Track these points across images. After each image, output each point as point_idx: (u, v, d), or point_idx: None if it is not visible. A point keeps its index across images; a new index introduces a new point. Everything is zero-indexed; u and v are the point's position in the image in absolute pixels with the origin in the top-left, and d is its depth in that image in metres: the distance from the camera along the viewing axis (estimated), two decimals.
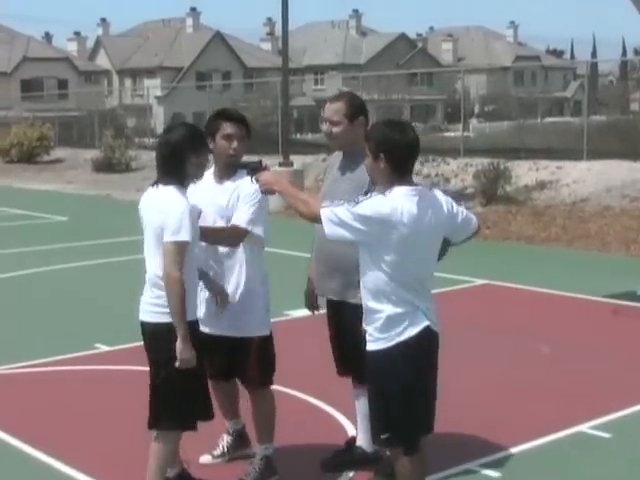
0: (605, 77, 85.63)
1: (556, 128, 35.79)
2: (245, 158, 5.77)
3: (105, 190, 28.47)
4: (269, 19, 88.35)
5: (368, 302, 4.99)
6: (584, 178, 22.11)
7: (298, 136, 42.30)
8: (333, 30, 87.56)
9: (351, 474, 6.15)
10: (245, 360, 5.79)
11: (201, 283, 5.69)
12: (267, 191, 5.29)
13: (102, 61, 79.24)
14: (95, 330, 10.15)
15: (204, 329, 5.77)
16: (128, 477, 6.09)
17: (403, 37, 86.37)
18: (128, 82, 77.43)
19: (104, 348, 9.40)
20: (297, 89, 66.64)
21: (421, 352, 4.95)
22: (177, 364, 5.22)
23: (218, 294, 5.70)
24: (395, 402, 4.94)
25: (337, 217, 4.80)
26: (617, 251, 15.58)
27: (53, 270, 14.29)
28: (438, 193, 5.08)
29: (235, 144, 5.71)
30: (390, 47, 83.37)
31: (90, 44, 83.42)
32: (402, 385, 4.91)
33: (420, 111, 67.24)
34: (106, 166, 34.45)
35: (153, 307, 5.32)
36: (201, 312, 5.69)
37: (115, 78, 78.18)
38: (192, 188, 5.73)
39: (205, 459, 6.31)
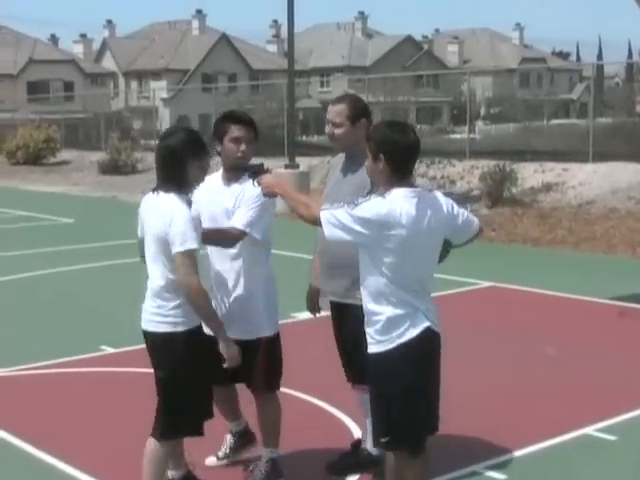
0: (611, 79, 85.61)
1: (562, 130, 35.76)
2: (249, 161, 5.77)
3: (111, 192, 28.50)
4: (275, 21, 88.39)
5: (368, 304, 4.98)
6: (590, 180, 22.08)
7: (304, 138, 42.31)
8: (339, 32, 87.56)
9: (357, 477, 6.15)
10: (251, 363, 5.75)
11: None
12: (268, 194, 5.30)
13: (108, 63, 79.31)
14: (100, 332, 10.16)
15: (210, 332, 5.76)
16: (132, 479, 6.09)
17: (409, 39, 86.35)
18: (134, 84, 77.49)
19: (109, 350, 9.41)
20: (303, 91, 66.66)
21: (422, 353, 4.94)
22: (225, 365, 5.27)
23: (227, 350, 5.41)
24: (397, 404, 4.93)
25: (336, 219, 4.80)
26: (623, 253, 15.56)
27: (59, 272, 14.30)
28: (438, 194, 5.07)
29: (243, 147, 5.70)
30: (396, 49, 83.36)
31: (96, 46, 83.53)
32: (404, 387, 4.91)
33: (426, 113, 67.22)
34: (112, 168, 34.50)
35: (154, 316, 5.29)
36: None
37: (121, 80, 78.26)
38: (201, 191, 5.74)
39: (210, 461, 6.30)
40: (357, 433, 6.67)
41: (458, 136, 39.15)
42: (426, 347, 4.96)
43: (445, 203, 5.04)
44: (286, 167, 23.36)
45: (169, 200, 5.19)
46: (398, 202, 4.80)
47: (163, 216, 5.16)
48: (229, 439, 6.33)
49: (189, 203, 5.29)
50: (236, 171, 5.71)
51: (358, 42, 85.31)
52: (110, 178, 33.07)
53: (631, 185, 21.07)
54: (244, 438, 6.33)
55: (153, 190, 5.33)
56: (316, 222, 4.91)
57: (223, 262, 5.80)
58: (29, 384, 8.58)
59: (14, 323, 11.05)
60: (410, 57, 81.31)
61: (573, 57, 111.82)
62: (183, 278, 5.11)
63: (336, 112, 5.86)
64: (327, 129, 5.96)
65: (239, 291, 5.77)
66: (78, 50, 79.97)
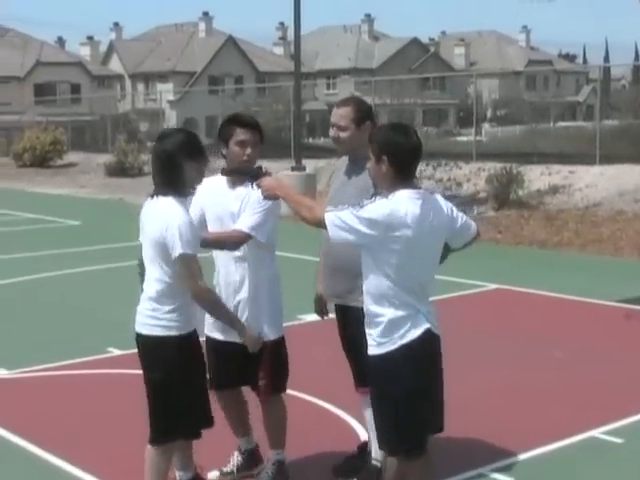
0: (618, 81, 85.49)
1: (568, 132, 35.74)
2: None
3: (118, 194, 28.53)
4: (281, 23, 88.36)
5: (370, 306, 4.99)
6: (596, 182, 22.07)
7: (310, 140, 42.35)
8: (345, 34, 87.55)
9: None
10: (257, 366, 5.74)
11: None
12: (269, 197, 5.29)
13: (115, 65, 79.39)
14: (107, 334, 10.17)
15: (215, 335, 5.76)
16: None
17: (415, 41, 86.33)
18: (141, 86, 77.55)
19: (116, 352, 9.42)
20: (309, 93, 66.67)
21: (423, 354, 4.95)
22: (250, 350, 5.45)
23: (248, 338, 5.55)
24: (399, 405, 4.94)
25: (341, 221, 4.81)
26: (630, 256, 15.54)
27: (65, 274, 14.32)
28: (439, 197, 5.10)
29: (249, 150, 5.67)
30: (402, 51, 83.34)
31: (103, 48, 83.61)
32: (406, 388, 4.91)
33: (432, 115, 67.16)
34: (119, 170, 34.55)
35: (148, 319, 5.26)
36: (212, 318, 5.70)
37: (128, 82, 78.32)
38: (205, 192, 5.74)
39: (213, 475, 6.18)
40: (363, 435, 6.66)
41: (465, 138, 39.15)
42: (427, 348, 4.97)
43: (445, 206, 5.07)
44: (292, 169, 23.33)
45: (167, 204, 5.14)
46: (403, 203, 4.81)
47: (161, 220, 5.11)
48: (236, 457, 6.20)
49: (188, 206, 5.28)
50: (235, 175, 5.70)
51: (364, 44, 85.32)
52: (117, 180, 33.12)
53: (638, 187, 21.04)
54: (251, 459, 6.19)
55: (152, 195, 5.28)
56: (319, 224, 4.91)
57: (228, 264, 5.79)
58: (35, 386, 8.59)
59: (20, 325, 11.06)
60: (416, 59, 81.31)
61: (580, 59, 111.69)
62: (187, 283, 5.11)
63: (341, 115, 5.84)
64: (331, 132, 5.93)
65: (244, 294, 5.75)
66: (85, 52, 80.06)
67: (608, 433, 6.99)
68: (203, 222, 5.83)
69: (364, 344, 5.09)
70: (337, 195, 5.86)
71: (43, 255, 16.29)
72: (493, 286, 12.95)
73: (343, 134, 5.83)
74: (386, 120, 31.36)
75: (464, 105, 67.49)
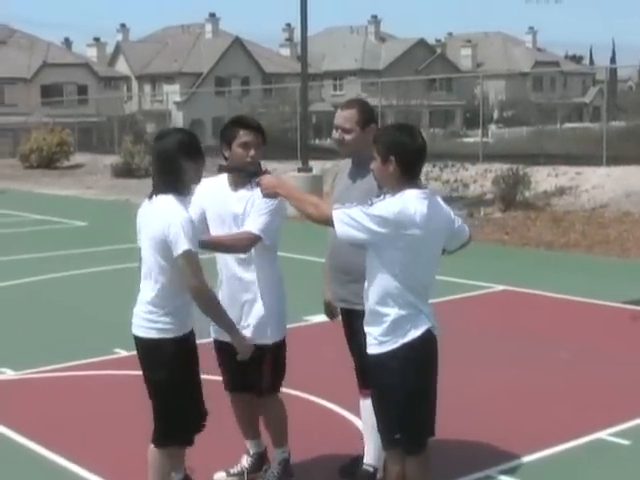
0: (624, 83, 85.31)
1: (575, 134, 35.73)
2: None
3: (124, 195, 28.54)
4: (288, 25, 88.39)
5: (374, 306, 4.99)
6: (603, 184, 22.05)
7: (317, 141, 42.34)
8: (352, 36, 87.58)
9: None
10: (259, 367, 5.74)
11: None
12: (269, 195, 5.28)
13: (122, 67, 79.47)
14: (114, 335, 10.16)
15: (220, 337, 5.74)
16: None
17: (422, 43, 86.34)
18: (147, 88, 77.61)
19: (123, 353, 9.41)
20: (316, 95, 66.63)
21: (424, 354, 4.98)
22: (238, 357, 5.31)
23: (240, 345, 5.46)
24: (400, 403, 4.95)
25: (350, 218, 4.81)
26: (637, 257, 15.52)
27: (72, 275, 14.33)
28: (439, 198, 5.12)
29: (252, 152, 5.65)
30: (409, 53, 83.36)
31: (110, 50, 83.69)
32: (408, 386, 4.93)
33: (439, 117, 67.17)
34: (125, 171, 34.60)
35: (145, 322, 5.25)
36: None
37: (134, 84, 78.38)
38: (205, 193, 5.73)
39: (219, 476, 6.18)
40: None
41: (471, 140, 39.13)
42: (427, 348, 5.00)
43: (445, 207, 5.10)
44: (299, 171, 23.39)
45: (167, 202, 5.13)
46: (412, 202, 4.83)
47: (162, 218, 5.10)
48: (245, 459, 6.19)
49: (187, 205, 5.27)
50: (234, 172, 5.69)
51: (371, 45, 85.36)
52: (123, 181, 33.16)
53: None
54: (260, 462, 6.17)
55: (149, 196, 5.28)
56: (327, 221, 4.91)
57: (231, 266, 5.77)
58: (41, 386, 8.60)
59: (26, 326, 11.08)
60: (423, 60, 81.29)
61: (586, 60, 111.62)
62: (189, 280, 5.08)
63: (345, 117, 5.80)
64: (335, 135, 5.89)
65: (248, 296, 5.74)
66: (92, 54, 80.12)
67: (615, 435, 6.97)
68: (204, 222, 5.81)
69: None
70: (341, 198, 5.82)
71: (50, 256, 16.31)
72: (500, 287, 12.94)
73: (348, 136, 5.79)
74: (393, 121, 31.33)
75: (471, 106, 67.42)
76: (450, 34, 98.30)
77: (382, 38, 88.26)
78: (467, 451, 6.64)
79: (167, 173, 5.19)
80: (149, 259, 5.24)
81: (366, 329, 5.07)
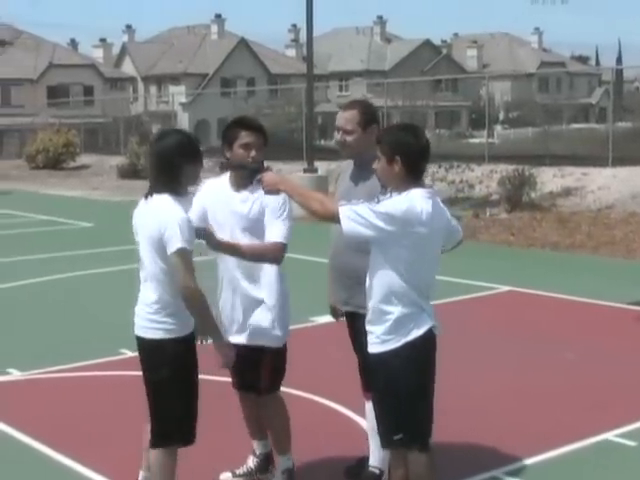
0: (631, 83, 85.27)
1: (581, 135, 35.69)
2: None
3: (130, 196, 28.51)
4: (294, 25, 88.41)
5: (378, 304, 4.99)
6: (609, 185, 22.03)
7: (322, 142, 42.34)
8: (358, 36, 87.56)
9: None
10: (257, 370, 5.72)
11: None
12: (270, 192, 5.25)
13: (127, 68, 79.53)
14: (120, 335, 10.15)
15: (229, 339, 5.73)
16: None
17: (428, 43, 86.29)
18: (153, 89, 77.65)
19: (129, 354, 9.42)
20: (322, 95, 66.64)
21: (425, 353, 4.99)
22: (221, 365, 5.25)
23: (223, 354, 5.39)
24: (403, 402, 4.95)
25: (357, 214, 4.81)
26: None
27: (78, 276, 14.35)
28: (438, 198, 5.13)
29: (253, 153, 5.61)
30: (415, 53, 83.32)
31: (116, 51, 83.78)
32: (409, 385, 4.93)
33: (445, 117, 67.14)
34: (131, 172, 34.62)
35: (149, 322, 5.25)
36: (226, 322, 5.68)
37: (140, 85, 78.42)
38: (207, 193, 5.73)
39: (225, 477, 6.17)
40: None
41: (477, 140, 39.08)
42: (428, 347, 5.02)
43: (443, 207, 5.12)
44: (305, 171, 23.42)
45: (164, 202, 5.14)
46: (418, 201, 4.86)
47: (158, 217, 5.10)
48: (251, 460, 6.17)
49: (185, 204, 5.26)
50: (235, 169, 5.68)
51: (377, 46, 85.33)
52: (129, 182, 33.17)
53: None
54: (266, 462, 6.15)
55: (145, 196, 5.29)
56: (332, 218, 4.91)
57: (232, 270, 5.72)
58: (47, 387, 8.61)
59: (32, 326, 11.09)
60: (429, 61, 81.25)
61: (592, 61, 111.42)
62: (180, 279, 5.06)
63: (346, 119, 5.77)
64: (337, 136, 5.88)
65: (248, 300, 5.70)
66: (98, 55, 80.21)
67: (621, 436, 6.96)
68: (205, 222, 5.76)
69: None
70: (344, 200, 5.80)
71: (56, 257, 16.33)
72: (505, 288, 12.93)
73: (349, 138, 5.77)
74: (398, 122, 31.27)
75: (476, 107, 67.28)
76: (456, 35, 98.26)
77: (388, 39, 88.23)
78: (472, 452, 6.63)
79: (165, 173, 5.19)
80: (148, 261, 5.24)
81: (368, 328, 5.07)
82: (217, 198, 5.76)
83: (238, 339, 5.73)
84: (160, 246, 5.11)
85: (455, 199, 23.07)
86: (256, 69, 76.05)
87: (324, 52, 78.40)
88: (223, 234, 5.62)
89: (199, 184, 5.54)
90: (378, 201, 4.88)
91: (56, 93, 65.84)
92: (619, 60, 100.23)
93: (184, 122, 60.47)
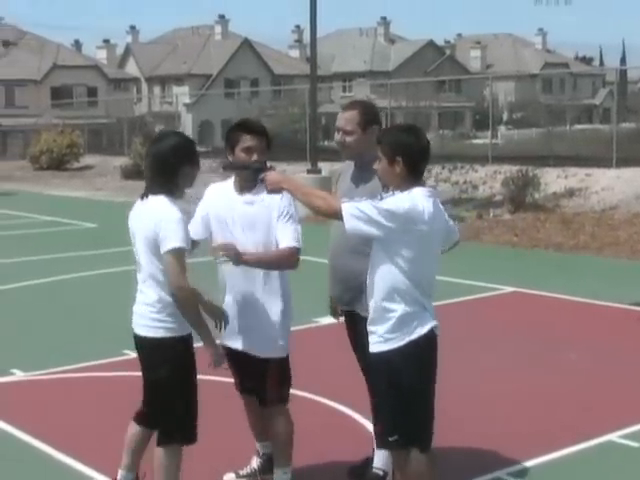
0: (634, 84, 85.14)
1: (585, 135, 35.70)
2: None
3: (134, 197, 27.96)
4: (297, 26, 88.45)
5: (380, 302, 4.98)
6: (613, 185, 22.01)
7: (326, 143, 42.33)
8: (361, 37, 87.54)
9: None
10: (264, 379, 5.69)
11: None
12: (274, 190, 5.25)
13: (131, 68, 79.60)
14: (123, 336, 10.15)
15: (227, 343, 5.69)
16: None
17: (431, 44, 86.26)
18: (157, 89, 77.72)
19: (133, 354, 9.41)
20: (325, 96, 66.64)
21: (427, 352, 5.00)
22: (214, 364, 5.24)
23: (217, 318, 5.47)
24: (407, 401, 4.94)
25: (361, 212, 4.82)
26: None
27: (82, 276, 14.36)
28: (437, 199, 5.15)
29: (255, 157, 5.57)
30: (418, 54, 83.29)
31: (119, 51, 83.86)
32: (414, 384, 4.93)
33: (448, 118, 67.08)
34: (135, 173, 34.58)
35: (150, 321, 5.26)
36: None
37: (144, 85, 78.50)
38: (211, 196, 5.73)
39: (229, 477, 6.15)
40: None
41: (480, 141, 39.11)
42: (430, 347, 5.02)
43: (442, 207, 5.14)
44: (308, 172, 23.42)
45: (159, 202, 5.17)
46: (420, 199, 4.89)
47: (154, 217, 5.13)
48: (255, 460, 6.17)
49: (191, 206, 5.27)
50: (238, 169, 5.66)
51: (380, 47, 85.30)
52: (133, 183, 33.14)
53: None
54: (269, 463, 6.08)
55: (141, 196, 5.31)
56: (335, 215, 4.92)
57: (236, 276, 5.66)
58: (51, 388, 8.62)
59: (36, 327, 11.10)
60: (432, 62, 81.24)
61: (596, 62, 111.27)
62: (173, 279, 5.08)
63: (346, 119, 5.77)
64: (337, 137, 5.86)
65: (252, 307, 5.66)
66: (101, 55, 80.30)
67: (625, 437, 6.96)
68: (208, 225, 5.78)
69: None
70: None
71: (59, 257, 16.34)
72: (510, 289, 12.92)
73: (349, 138, 5.76)
74: (402, 123, 31.23)
75: (480, 108, 67.35)
76: (459, 35, 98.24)
77: (391, 40, 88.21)
78: (475, 453, 6.62)
79: (161, 174, 5.22)
80: (145, 262, 5.26)
81: (370, 328, 5.06)
82: (219, 200, 5.75)
83: (240, 345, 5.71)
84: (156, 246, 5.13)
85: (459, 200, 23.07)
86: (260, 70, 76.11)
87: (328, 53, 78.47)
88: (225, 236, 5.62)
89: (195, 186, 5.51)
90: (381, 198, 4.89)
91: (60, 94, 65.93)
92: (623, 61, 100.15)
93: (188, 123, 60.48)
